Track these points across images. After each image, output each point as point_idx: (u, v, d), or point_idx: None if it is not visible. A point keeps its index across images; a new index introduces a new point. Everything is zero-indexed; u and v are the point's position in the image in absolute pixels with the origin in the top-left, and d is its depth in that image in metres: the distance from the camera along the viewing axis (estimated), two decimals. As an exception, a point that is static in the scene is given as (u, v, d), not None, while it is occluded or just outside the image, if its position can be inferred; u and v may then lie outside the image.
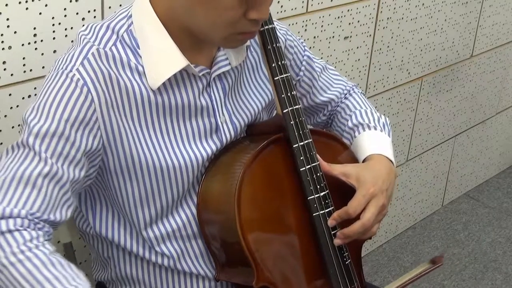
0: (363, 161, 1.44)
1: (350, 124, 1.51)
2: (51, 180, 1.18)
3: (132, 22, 1.27)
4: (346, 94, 1.58)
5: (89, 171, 1.25)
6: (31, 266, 1.11)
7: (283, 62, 1.34)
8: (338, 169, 1.38)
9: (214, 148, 1.34)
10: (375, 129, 1.49)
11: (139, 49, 1.26)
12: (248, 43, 1.39)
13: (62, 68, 1.22)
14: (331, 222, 1.35)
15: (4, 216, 1.13)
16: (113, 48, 1.25)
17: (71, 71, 1.21)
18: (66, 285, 1.10)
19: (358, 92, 1.60)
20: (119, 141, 1.25)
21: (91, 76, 1.22)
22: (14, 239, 1.12)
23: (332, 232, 1.36)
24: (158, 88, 1.26)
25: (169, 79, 1.27)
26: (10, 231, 1.12)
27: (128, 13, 1.28)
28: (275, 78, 1.34)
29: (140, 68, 1.25)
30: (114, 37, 1.26)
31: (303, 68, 1.52)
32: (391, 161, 1.44)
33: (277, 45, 1.34)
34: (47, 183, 1.17)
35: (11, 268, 1.10)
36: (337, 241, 1.35)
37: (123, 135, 1.25)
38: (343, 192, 1.38)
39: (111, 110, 1.23)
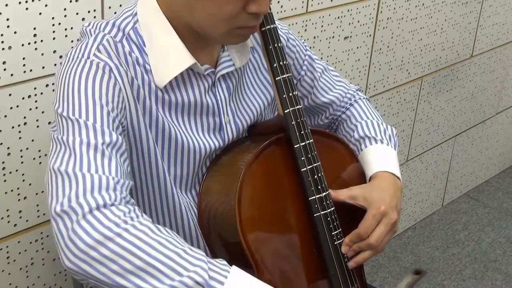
0: (369, 179, 1.44)
1: (356, 135, 1.50)
2: (113, 148, 1.15)
3: (137, 20, 1.27)
4: (351, 100, 1.57)
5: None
6: (139, 232, 1.06)
7: (284, 62, 1.34)
8: (344, 194, 1.38)
9: (216, 144, 1.35)
10: (382, 142, 1.48)
11: (145, 46, 1.26)
12: (250, 44, 1.38)
13: (78, 57, 1.21)
14: (344, 248, 1.36)
15: (95, 187, 1.08)
16: (121, 44, 1.25)
17: (88, 57, 1.21)
18: (180, 246, 1.07)
19: (363, 98, 1.59)
20: (140, 119, 1.24)
21: (109, 58, 1.21)
22: (113, 212, 1.07)
23: (333, 233, 1.36)
24: (165, 86, 1.26)
25: (175, 77, 1.27)
26: (105, 205, 1.07)
27: (133, 11, 1.28)
28: (277, 78, 1.33)
29: (147, 66, 1.25)
30: (120, 34, 1.25)
31: (304, 68, 1.51)
32: (397, 176, 1.44)
33: (279, 45, 1.34)
34: (110, 151, 1.14)
35: (118, 238, 1.04)
36: (351, 264, 1.36)
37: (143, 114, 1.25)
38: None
39: (133, 89, 1.23)
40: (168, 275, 1.04)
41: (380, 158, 1.45)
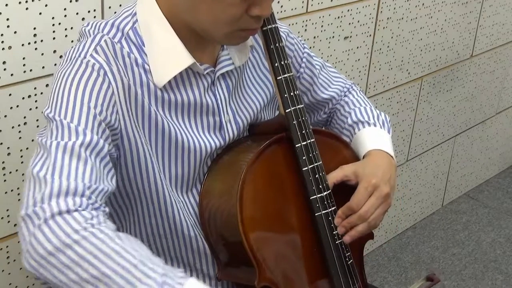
0: (363, 157, 1.44)
1: (349, 121, 1.51)
2: (92, 151, 1.15)
3: (137, 20, 1.27)
4: (346, 92, 1.59)
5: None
6: (97, 241, 1.05)
7: (286, 61, 1.34)
8: (336, 175, 1.37)
9: (217, 143, 1.34)
10: (375, 126, 1.49)
11: (144, 46, 1.25)
12: (250, 43, 1.38)
13: (75, 57, 1.21)
14: (337, 220, 1.35)
15: (61, 192, 1.09)
16: (119, 44, 1.24)
17: (85, 57, 1.21)
18: (138, 257, 1.06)
19: (357, 89, 1.61)
20: (134, 126, 1.24)
21: (106, 61, 1.21)
22: (74, 219, 1.07)
23: (334, 232, 1.36)
24: (164, 86, 1.26)
25: (174, 77, 1.27)
26: (68, 211, 1.07)
27: (133, 11, 1.28)
28: (278, 78, 1.33)
29: (146, 66, 1.25)
30: (119, 34, 1.25)
31: (303, 64, 1.52)
32: (391, 156, 1.44)
33: (280, 44, 1.34)
34: (89, 154, 1.14)
35: (76, 246, 1.04)
36: (346, 238, 1.35)
37: (137, 119, 1.25)
38: (345, 191, 1.38)
39: (127, 93, 1.22)
40: (122, 286, 1.04)
41: (374, 138, 1.46)
